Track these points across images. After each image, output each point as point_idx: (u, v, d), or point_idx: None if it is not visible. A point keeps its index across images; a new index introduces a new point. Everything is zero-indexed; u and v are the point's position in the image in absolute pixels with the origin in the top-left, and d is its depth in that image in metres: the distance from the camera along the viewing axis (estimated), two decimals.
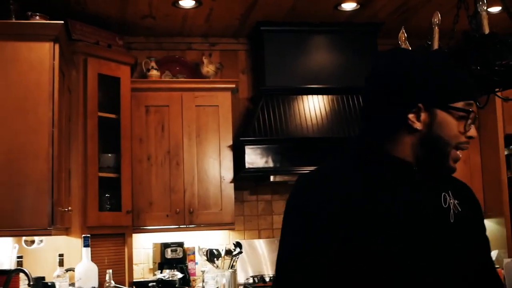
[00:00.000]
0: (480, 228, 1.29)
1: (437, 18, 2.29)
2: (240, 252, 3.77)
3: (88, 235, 3.21)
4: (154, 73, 3.89)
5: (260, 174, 3.80)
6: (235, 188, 3.90)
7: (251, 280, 3.96)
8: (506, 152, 3.91)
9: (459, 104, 1.13)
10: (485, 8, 2.15)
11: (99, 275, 3.27)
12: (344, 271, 1.09)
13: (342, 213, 1.08)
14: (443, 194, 1.19)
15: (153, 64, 3.90)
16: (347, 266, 1.09)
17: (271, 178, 3.76)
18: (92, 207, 3.42)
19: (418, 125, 1.13)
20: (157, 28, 3.98)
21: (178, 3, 3.50)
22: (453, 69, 1.18)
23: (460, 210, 1.21)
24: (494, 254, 3.59)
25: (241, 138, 3.75)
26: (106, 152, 3.63)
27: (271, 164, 3.69)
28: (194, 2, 3.50)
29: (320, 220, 1.09)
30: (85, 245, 3.19)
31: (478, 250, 1.25)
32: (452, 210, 1.19)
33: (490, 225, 3.97)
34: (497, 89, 2.34)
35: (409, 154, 1.15)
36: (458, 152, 1.15)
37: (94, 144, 3.48)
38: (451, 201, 1.21)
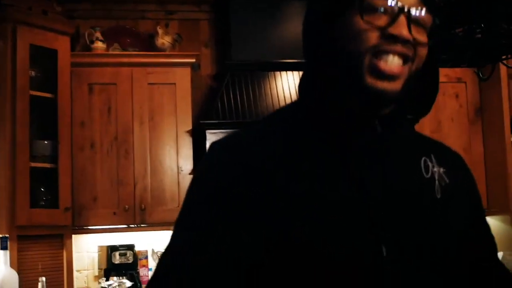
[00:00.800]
0: (477, 207, 1.05)
1: None
2: None
3: (6, 236, 3.01)
4: (100, 45, 3.70)
5: None
6: None
7: None
8: None
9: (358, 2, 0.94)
10: None
11: (26, 285, 3.16)
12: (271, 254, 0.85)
13: (256, 194, 0.84)
14: (423, 158, 0.98)
15: (98, 34, 3.71)
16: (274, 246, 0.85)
17: None
18: (22, 203, 3.23)
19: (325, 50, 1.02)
20: None
21: None
22: None
23: (447, 181, 0.98)
24: (498, 256, 3.22)
25: (201, 122, 3.60)
26: (40, 138, 3.45)
27: None
28: None
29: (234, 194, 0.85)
30: (2, 247, 2.97)
31: (477, 237, 1.01)
32: (437, 181, 0.97)
33: (493, 223, 3.69)
34: (503, 57, 1.96)
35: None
36: (381, 66, 0.92)
37: (24, 128, 3.29)
38: (435, 169, 0.98)
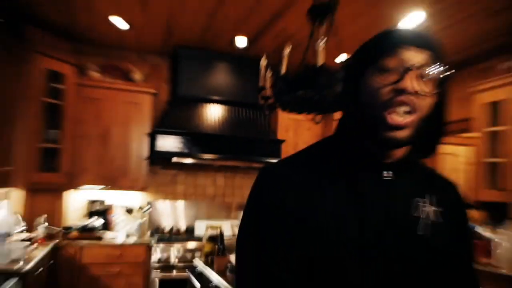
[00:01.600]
0: (461, 239, 0.93)
1: (287, 50, 2.33)
2: (150, 209, 4.30)
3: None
4: (95, 74, 4.17)
5: (167, 155, 4.20)
6: (151, 164, 4.37)
7: (155, 229, 4.46)
8: None
9: (381, 61, 0.85)
10: (323, 47, 2.15)
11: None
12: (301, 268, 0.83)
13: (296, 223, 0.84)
14: (415, 200, 0.89)
15: (95, 67, 4.20)
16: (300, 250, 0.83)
17: (174, 159, 4.17)
18: (35, 168, 3.70)
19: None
20: (99, 40, 4.19)
21: (112, 21, 3.71)
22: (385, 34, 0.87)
23: (441, 221, 0.89)
24: None
25: (155, 128, 4.16)
26: (51, 128, 3.84)
27: (175, 150, 4.16)
28: (128, 25, 3.77)
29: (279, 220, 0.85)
30: None
31: (454, 267, 0.90)
32: (422, 220, 0.87)
33: None
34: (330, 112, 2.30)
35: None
36: (391, 116, 0.82)
37: (39, 122, 3.72)
38: (426, 208, 0.89)
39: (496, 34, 3.60)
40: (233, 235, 4.36)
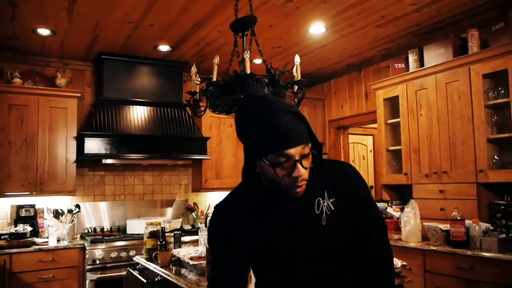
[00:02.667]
0: (356, 210, 1.27)
1: (216, 59, 2.51)
2: (79, 211, 4.33)
3: None
4: (18, 80, 4.15)
5: (95, 158, 4.27)
6: (78, 167, 4.39)
7: (86, 231, 4.52)
8: None
9: (270, 157, 1.12)
10: (248, 57, 2.38)
11: None
12: (251, 262, 1.31)
13: (241, 232, 1.26)
14: (316, 199, 1.22)
15: (17, 73, 4.16)
16: (251, 259, 1.29)
17: (103, 161, 4.27)
18: None
19: (259, 170, 1.20)
20: (22, 47, 4.19)
21: (36, 30, 3.73)
22: (267, 129, 1.11)
23: (333, 209, 1.23)
24: None
25: (82, 132, 4.23)
26: None
27: (103, 152, 4.24)
28: (49, 31, 3.76)
29: (227, 238, 1.28)
30: None
31: (354, 236, 1.27)
32: (324, 213, 1.21)
33: None
34: None
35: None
36: (293, 190, 1.16)
37: None
38: (325, 203, 1.22)
39: (386, 40, 4.22)
40: (169, 230, 4.54)
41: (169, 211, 5.06)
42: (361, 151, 6.26)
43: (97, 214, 4.67)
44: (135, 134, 4.43)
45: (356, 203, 1.27)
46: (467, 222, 3.09)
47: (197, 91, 2.66)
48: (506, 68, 3.14)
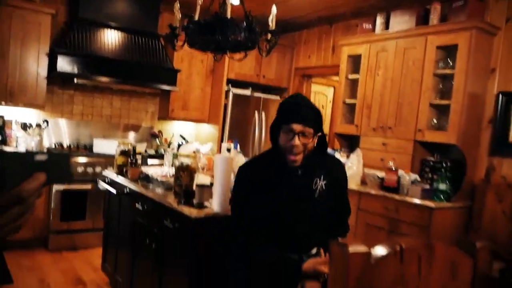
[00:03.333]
0: (339, 192, 1.93)
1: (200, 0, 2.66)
2: (47, 126, 4.50)
3: None
4: None
5: (67, 76, 4.36)
6: (49, 84, 4.47)
7: (53, 145, 4.71)
8: (226, 88, 5.27)
9: (283, 126, 1.75)
10: (230, 2, 2.57)
11: None
12: (261, 213, 1.76)
13: (257, 188, 1.77)
14: (315, 179, 1.81)
15: None
16: (261, 212, 1.76)
17: (75, 80, 4.38)
18: None
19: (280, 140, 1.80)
20: None
21: None
22: (287, 110, 1.75)
23: (324, 188, 1.81)
24: (209, 145, 4.84)
25: (55, 48, 4.28)
26: None
27: (75, 71, 4.33)
28: None
29: (246, 189, 1.80)
30: None
31: (335, 210, 1.90)
32: (318, 190, 1.80)
33: (211, 128, 5.38)
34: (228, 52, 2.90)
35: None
36: (290, 156, 1.75)
37: None
38: (320, 183, 1.81)
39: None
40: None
41: (134, 136, 5.30)
42: (321, 100, 6.65)
43: (64, 131, 4.84)
44: (108, 57, 4.53)
45: (342, 190, 1.95)
46: (400, 172, 3.57)
47: (178, 25, 2.85)
48: (457, 43, 3.52)
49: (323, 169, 1.84)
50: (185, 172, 2.40)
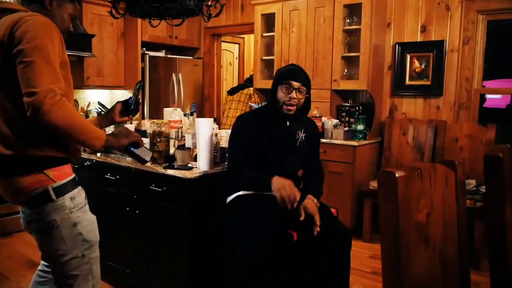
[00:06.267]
0: (313, 146, 2.47)
1: None
2: None
3: None
4: None
5: None
6: None
7: None
8: (141, 52, 5.21)
9: (284, 82, 2.24)
10: None
11: None
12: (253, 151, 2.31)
13: (252, 134, 2.29)
14: (297, 131, 2.36)
15: None
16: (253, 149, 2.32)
17: None
18: None
19: (278, 94, 2.34)
20: None
21: None
22: (290, 70, 2.29)
23: (303, 139, 2.36)
24: None
25: None
26: None
27: None
28: None
29: (244, 135, 2.30)
30: None
31: (310, 155, 2.44)
32: (299, 140, 2.35)
33: (128, 94, 5.29)
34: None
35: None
36: (287, 107, 2.26)
37: None
38: (301, 135, 2.36)
39: None
40: None
41: None
42: (228, 57, 6.91)
43: None
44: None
45: (316, 145, 2.51)
46: (323, 118, 4.12)
47: None
48: (361, 1, 4.05)
49: (303, 125, 2.38)
50: (161, 138, 2.57)
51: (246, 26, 5.45)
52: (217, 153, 2.57)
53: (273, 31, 4.79)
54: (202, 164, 2.42)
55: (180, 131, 3.32)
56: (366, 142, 3.99)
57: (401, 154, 4.03)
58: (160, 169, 2.47)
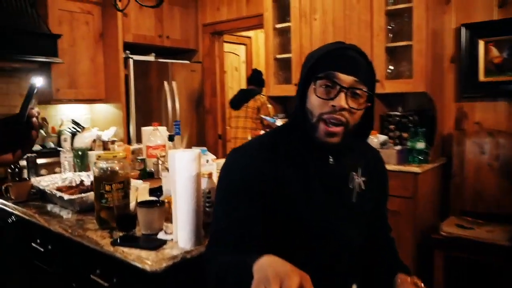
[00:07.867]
0: (380, 199, 1.27)
1: None
2: None
3: None
4: None
5: None
6: None
7: None
8: (123, 56, 4.17)
9: (320, 77, 1.06)
10: None
11: None
12: (275, 233, 1.05)
13: (270, 191, 1.05)
14: (351, 173, 1.15)
15: None
16: (276, 226, 1.05)
17: None
18: None
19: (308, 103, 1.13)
20: None
21: None
22: (329, 52, 1.09)
23: (363, 188, 1.16)
24: (112, 130, 3.79)
25: None
26: None
27: None
28: None
29: (249, 188, 1.04)
30: None
31: (374, 216, 1.24)
32: (355, 190, 1.15)
33: (111, 108, 4.27)
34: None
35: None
36: (326, 127, 1.06)
37: None
38: (358, 180, 1.16)
39: None
40: None
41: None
42: (233, 61, 5.81)
43: None
44: None
45: (383, 191, 1.27)
46: None
47: None
48: None
49: (359, 160, 1.18)
50: (112, 184, 1.45)
51: (253, 19, 4.35)
52: (209, 209, 1.43)
53: (289, 21, 3.67)
54: (181, 236, 1.28)
55: (161, 162, 2.23)
56: (430, 166, 2.81)
57: (479, 181, 2.84)
58: (106, 245, 1.34)
